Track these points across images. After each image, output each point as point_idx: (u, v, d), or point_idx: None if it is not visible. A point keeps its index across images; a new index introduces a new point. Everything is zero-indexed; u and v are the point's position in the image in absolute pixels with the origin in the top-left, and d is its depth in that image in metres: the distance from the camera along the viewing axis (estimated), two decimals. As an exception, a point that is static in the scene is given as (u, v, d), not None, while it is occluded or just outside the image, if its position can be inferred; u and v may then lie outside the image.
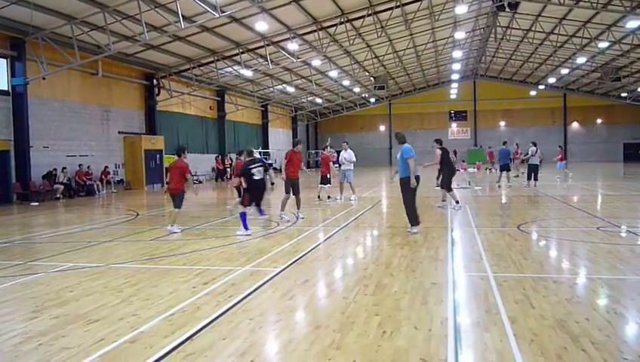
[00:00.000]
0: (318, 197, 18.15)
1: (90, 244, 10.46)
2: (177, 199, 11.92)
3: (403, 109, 60.12)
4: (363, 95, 54.61)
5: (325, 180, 18.06)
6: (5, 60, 21.51)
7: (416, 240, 9.85)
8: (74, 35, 21.00)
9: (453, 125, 59.43)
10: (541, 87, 54.14)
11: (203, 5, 20.46)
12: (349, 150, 18.13)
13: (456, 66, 48.96)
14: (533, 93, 55.82)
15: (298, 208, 13.40)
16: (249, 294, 6.32)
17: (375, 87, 40.36)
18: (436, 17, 30.32)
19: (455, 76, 54.09)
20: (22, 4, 18.63)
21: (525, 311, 5.38)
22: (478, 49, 46.04)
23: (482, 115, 58.60)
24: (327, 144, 21.22)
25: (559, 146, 28.59)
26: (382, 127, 61.27)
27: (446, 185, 14.89)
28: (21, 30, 20.92)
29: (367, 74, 42.23)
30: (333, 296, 6.32)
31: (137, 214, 16.02)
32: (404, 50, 37.17)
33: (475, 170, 39.28)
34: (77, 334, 5.02)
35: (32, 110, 21.99)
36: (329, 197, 17.90)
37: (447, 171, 14.94)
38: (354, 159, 18.11)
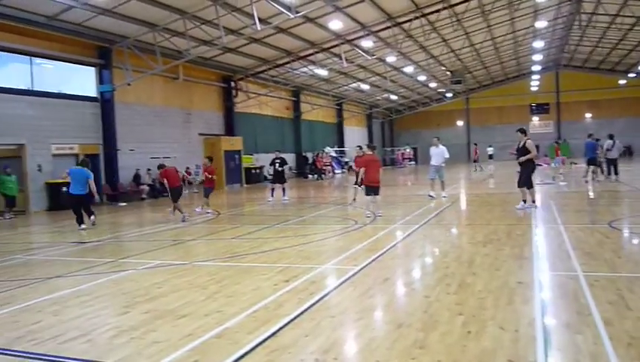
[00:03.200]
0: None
1: (174, 243, 10.87)
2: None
3: (481, 103, 58.52)
4: (439, 90, 53.64)
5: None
6: (94, 69, 22.78)
7: (500, 238, 9.54)
8: (156, 41, 21.92)
9: (535, 118, 57.06)
10: (631, 75, 50.89)
11: (278, 7, 20.75)
12: (440, 146, 17.90)
13: (537, 57, 46.90)
14: (622, 82, 52.57)
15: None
16: (329, 292, 6.34)
17: (452, 81, 39.55)
18: (515, 7, 29.27)
19: (536, 67, 51.90)
20: (108, 15, 19.66)
21: (621, 312, 5.07)
22: (560, 38, 43.96)
23: (566, 107, 55.95)
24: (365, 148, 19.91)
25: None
26: (459, 123, 59.83)
27: (524, 181, 13.29)
28: (107, 39, 22.12)
29: (444, 68, 41.39)
30: (414, 294, 6.23)
31: (219, 213, 16.46)
32: (481, 42, 36.13)
33: (560, 164, 37.50)
34: (166, 329, 5.20)
35: (118, 115, 23.16)
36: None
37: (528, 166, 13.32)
38: (447, 155, 17.87)
